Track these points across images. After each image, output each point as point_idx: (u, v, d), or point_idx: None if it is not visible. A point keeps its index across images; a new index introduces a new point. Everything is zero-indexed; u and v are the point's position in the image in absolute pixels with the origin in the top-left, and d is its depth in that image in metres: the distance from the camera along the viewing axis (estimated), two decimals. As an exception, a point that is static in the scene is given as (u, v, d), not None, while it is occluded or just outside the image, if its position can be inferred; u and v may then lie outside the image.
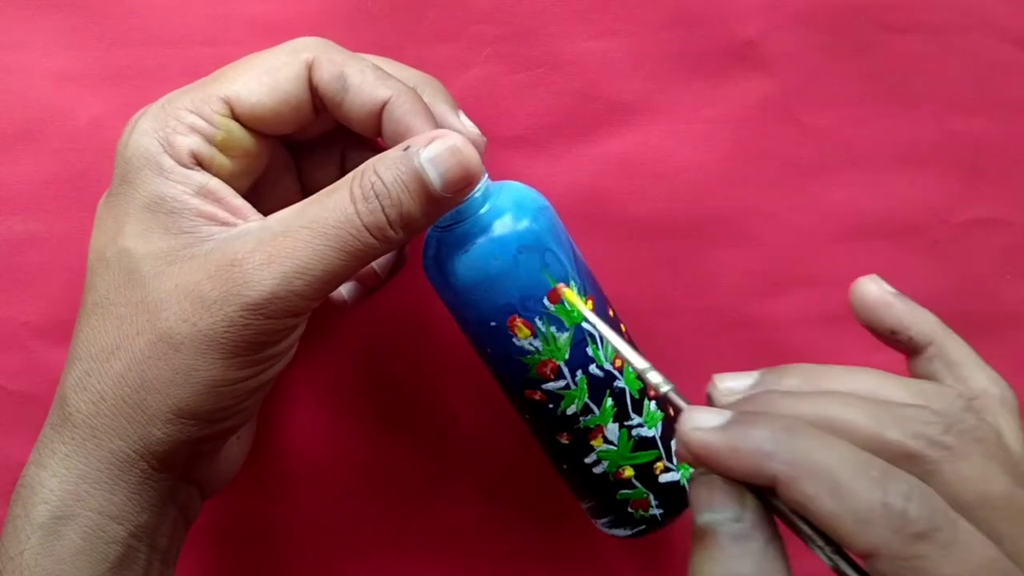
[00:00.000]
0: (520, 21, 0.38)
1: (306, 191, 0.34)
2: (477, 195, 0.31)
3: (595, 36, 0.39)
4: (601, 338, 0.33)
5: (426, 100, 0.31)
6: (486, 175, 0.32)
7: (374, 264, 0.34)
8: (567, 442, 0.34)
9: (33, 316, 0.38)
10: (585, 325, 0.32)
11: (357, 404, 0.41)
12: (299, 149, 0.35)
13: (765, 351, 0.42)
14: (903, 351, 0.31)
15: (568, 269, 0.32)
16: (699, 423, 0.24)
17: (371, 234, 0.28)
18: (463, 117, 0.33)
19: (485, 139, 0.33)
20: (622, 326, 0.35)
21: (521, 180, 0.39)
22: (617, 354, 0.30)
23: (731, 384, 0.27)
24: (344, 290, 0.35)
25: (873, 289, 0.33)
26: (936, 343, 0.30)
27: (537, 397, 0.33)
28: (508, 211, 0.32)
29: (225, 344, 0.28)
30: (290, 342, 0.30)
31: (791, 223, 0.41)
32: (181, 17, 0.37)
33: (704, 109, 0.40)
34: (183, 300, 0.28)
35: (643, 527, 0.35)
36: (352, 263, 0.28)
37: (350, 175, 0.29)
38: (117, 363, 0.28)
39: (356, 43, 0.38)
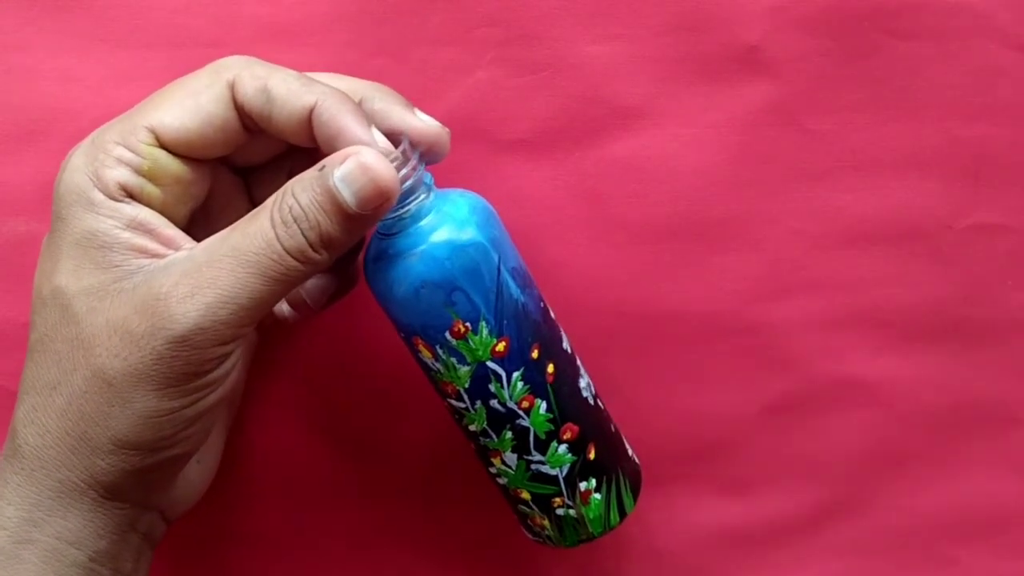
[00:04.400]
0: (524, 25, 0.38)
1: None
2: (409, 212, 0.31)
3: (599, 40, 0.39)
4: (510, 379, 0.32)
5: (379, 105, 0.31)
6: (430, 188, 0.31)
7: (302, 293, 0.33)
8: (474, 449, 0.35)
9: (36, 317, 0.38)
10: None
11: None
12: (248, 173, 0.34)
13: (767, 356, 0.41)
14: None
15: (480, 310, 0.31)
16: None
17: (294, 258, 0.28)
18: (420, 113, 0.32)
19: (448, 130, 0.32)
20: (549, 368, 0.34)
21: (523, 183, 0.40)
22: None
23: None
24: (284, 308, 0.35)
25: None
26: None
27: (447, 405, 0.34)
28: (425, 241, 0.30)
29: (156, 377, 0.28)
30: (224, 369, 0.30)
31: (794, 228, 0.41)
32: (185, 19, 0.37)
33: (707, 113, 0.40)
34: (113, 336, 0.28)
35: (540, 540, 0.36)
36: (277, 288, 0.28)
37: (271, 198, 0.29)
38: (59, 398, 0.29)
39: (360, 46, 0.38)
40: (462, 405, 0.33)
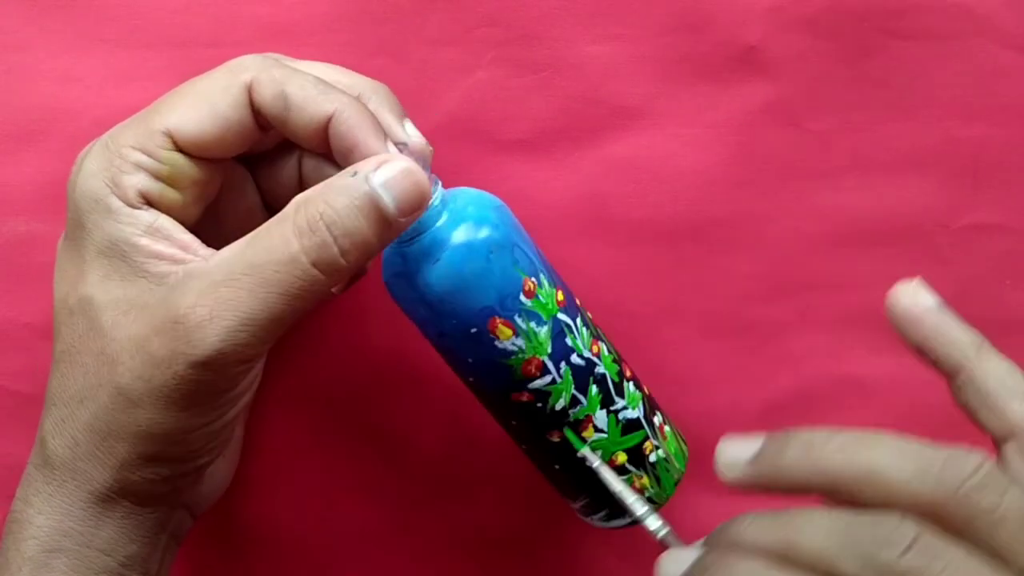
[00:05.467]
0: (524, 25, 0.38)
1: (266, 201, 0.34)
2: (435, 204, 0.31)
3: (599, 40, 0.39)
4: (576, 326, 0.33)
5: (371, 108, 0.31)
6: (439, 183, 0.31)
7: None
8: (559, 440, 0.34)
9: (35, 317, 0.38)
10: (587, 456, 0.33)
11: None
12: (255, 160, 0.34)
13: (766, 356, 0.42)
14: (938, 372, 0.29)
15: (535, 263, 0.33)
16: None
17: (319, 270, 0.27)
18: (409, 126, 0.31)
19: (431, 148, 0.32)
20: (588, 315, 0.35)
21: (523, 184, 0.40)
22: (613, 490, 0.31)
23: (735, 452, 0.27)
24: None
25: (904, 301, 0.30)
26: (966, 370, 0.28)
27: (525, 398, 0.33)
28: (470, 215, 0.31)
29: (179, 399, 0.28)
30: (248, 382, 0.30)
31: (792, 227, 0.41)
32: (185, 19, 0.37)
33: (707, 113, 0.40)
34: (136, 356, 0.28)
35: (640, 515, 0.35)
36: (300, 304, 0.27)
37: (289, 209, 0.28)
38: (85, 411, 0.29)
39: (360, 46, 0.38)
40: (547, 380, 0.32)
